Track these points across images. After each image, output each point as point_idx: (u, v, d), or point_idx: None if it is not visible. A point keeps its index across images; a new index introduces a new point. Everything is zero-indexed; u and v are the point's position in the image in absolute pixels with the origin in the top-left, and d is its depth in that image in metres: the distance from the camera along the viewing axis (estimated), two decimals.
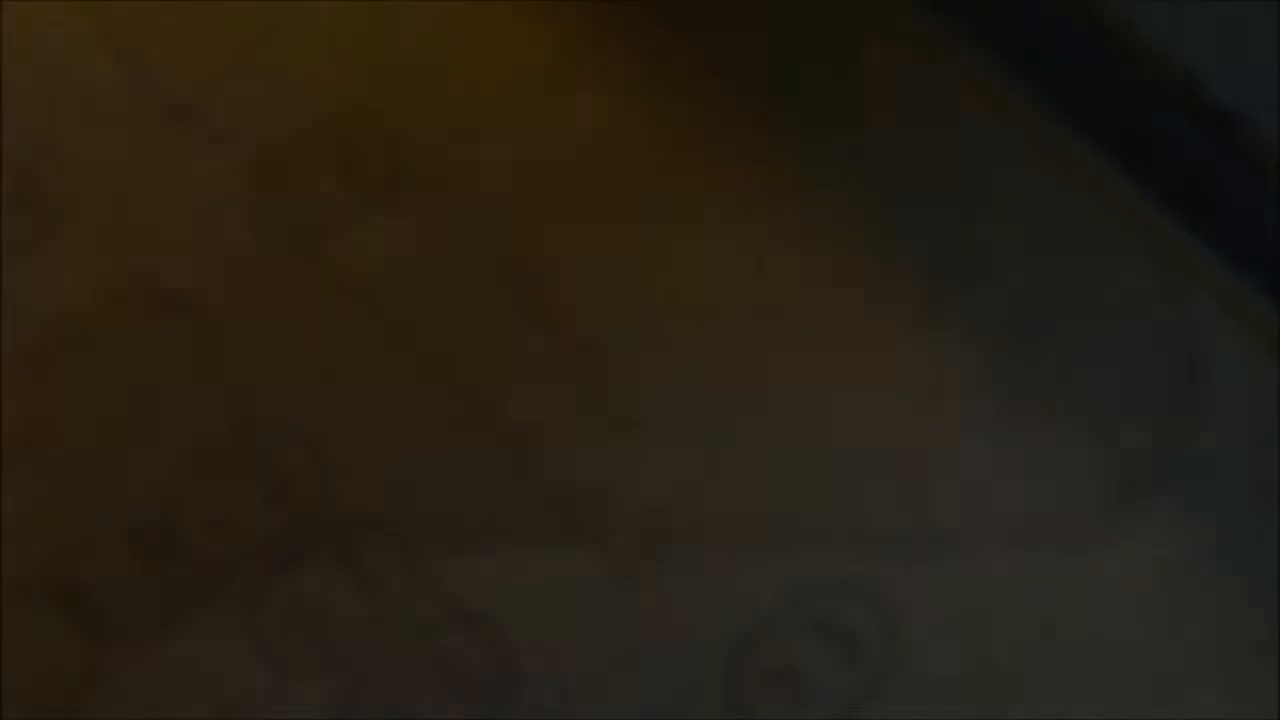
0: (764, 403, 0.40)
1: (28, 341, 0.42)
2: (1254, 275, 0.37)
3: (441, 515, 0.40)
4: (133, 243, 0.43)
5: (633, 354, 0.41)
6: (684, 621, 0.39)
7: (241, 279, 0.42)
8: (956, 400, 0.40)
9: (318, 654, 0.39)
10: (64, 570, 0.40)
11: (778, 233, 0.42)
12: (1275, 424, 0.40)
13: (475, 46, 0.44)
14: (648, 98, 0.43)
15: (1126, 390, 0.40)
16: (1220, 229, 0.36)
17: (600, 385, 0.41)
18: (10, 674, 0.39)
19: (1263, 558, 0.39)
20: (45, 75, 0.45)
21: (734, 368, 0.41)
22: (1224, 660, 0.38)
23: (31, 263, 0.43)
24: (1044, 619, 0.38)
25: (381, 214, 0.43)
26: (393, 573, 0.40)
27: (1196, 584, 0.39)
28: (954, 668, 0.38)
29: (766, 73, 0.43)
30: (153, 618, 0.40)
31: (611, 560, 0.39)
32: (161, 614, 0.40)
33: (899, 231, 0.42)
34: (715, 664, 0.39)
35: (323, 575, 0.40)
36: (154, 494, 0.41)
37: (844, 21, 0.43)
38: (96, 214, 0.43)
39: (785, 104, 0.43)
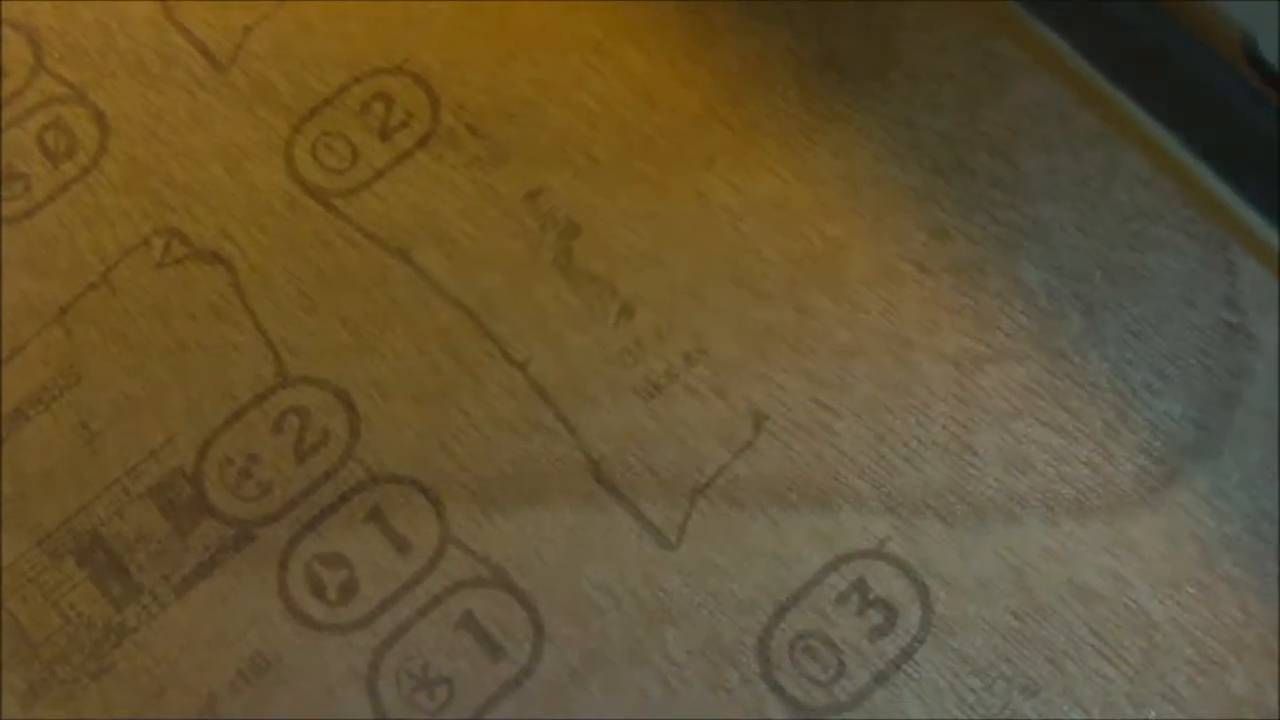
0: (802, 365, 0.40)
1: (59, 291, 0.42)
2: None
3: (472, 473, 0.40)
4: (166, 193, 0.43)
5: (668, 311, 0.41)
6: (718, 586, 0.39)
7: (275, 232, 0.42)
8: (996, 368, 0.40)
9: (346, 612, 0.39)
10: (92, 526, 0.40)
11: (815, 185, 0.42)
12: None
13: (513, 4, 0.44)
14: (686, 51, 0.43)
15: (1166, 360, 0.40)
16: (1270, 196, 0.36)
17: (636, 342, 0.41)
18: (38, 630, 0.39)
19: None
20: (84, 27, 0.45)
21: (771, 328, 0.40)
22: (1258, 637, 0.38)
23: (65, 212, 0.43)
24: (1079, 591, 0.38)
25: (416, 169, 0.42)
26: (422, 530, 0.39)
27: (1233, 558, 0.38)
28: (987, 638, 0.38)
29: (803, 25, 0.43)
30: (180, 575, 0.39)
31: (644, 522, 0.39)
32: (189, 571, 0.39)
33: (939, 191, 0.41)
34: (750, 629, 0.38)
35: (351, 532, 0.39)
36: (182, 449, 0.40)
37: None
38: (131, 165, 0.43)
39: (822, 55, 0.43)
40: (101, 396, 0.41)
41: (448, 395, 0.40)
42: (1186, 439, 0.39)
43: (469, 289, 0.41)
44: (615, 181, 0.42)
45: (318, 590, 0.39)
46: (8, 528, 0.40)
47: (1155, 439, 0.39)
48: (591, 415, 0.40)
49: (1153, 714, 0.37)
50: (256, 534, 0.40)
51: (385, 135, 0.43)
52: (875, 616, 0.38)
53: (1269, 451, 0.39)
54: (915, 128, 0.42)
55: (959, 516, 0.39)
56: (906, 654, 0.38)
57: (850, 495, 0.39)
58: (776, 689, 0.38)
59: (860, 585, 0.39)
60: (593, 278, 0.41)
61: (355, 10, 0.44)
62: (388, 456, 0.40)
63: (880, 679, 0.38)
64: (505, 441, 0.40)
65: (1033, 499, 0.39)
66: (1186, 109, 0.37)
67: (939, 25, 0.43)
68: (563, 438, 0.40)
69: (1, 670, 0.39)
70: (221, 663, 0.39)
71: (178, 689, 0.39)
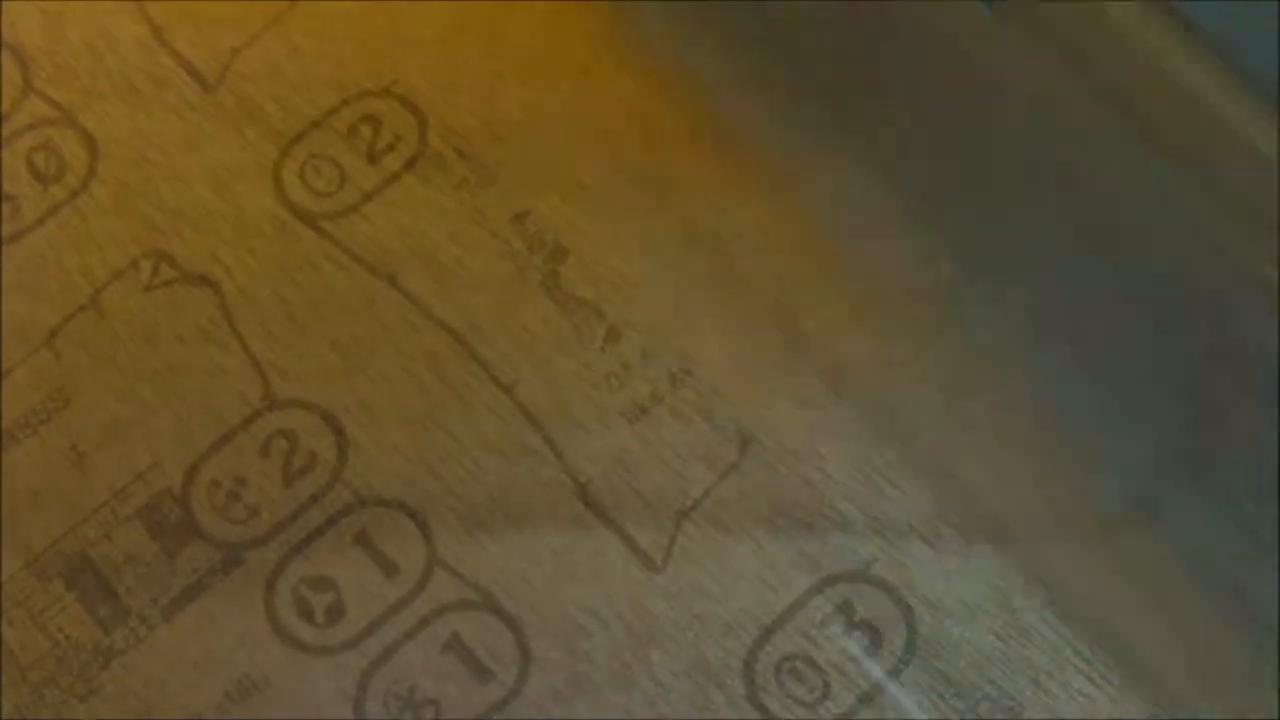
0: (788, 388, 0.40)
1: (48, 314, 0.42)
2: None
3: (459, 496, 0.40)
4: (154, 216, 0.43)
5: (654, 334, 0.41)
6: (704, 609, 0.39)
7: (263, 255, 0.42)
8: (985, 385, 0.40)
9: (333, 634, 0.39)
10: (81, 548, 0.40)
11: (803, 208, 0.42)
12: None
13: (502, 28, 0.44)
14: (676, 75, 0.43)
15: (1159, 374, 0.40)
16: None
17: (622, 365, 0.41)
18: (26, 653, 0.39)
19: None
20: (73, 48, 0.45)
21: (758, 351, 0.40)
22: (1250, 657, 0.38)
23: (53, 235, 0.43)
24: (1069, 610, 0.38)
25: (404, 192, 0.42)
26: (409, 553, 0.39)
27: (1219, 580, 0.38)
28: (971, 659, 0.38)
29: (793, 45, 0.43)
30: (168, 597, 0.39)
31: (631, 545, 0.39)
32: (177, 593, 0.40)
33: (927, 214, 0.41)
34: (735, 652, 0.38)
35: (339, 555, 0.40)
36: (171, 471, 0.40)
37: None
38: (119, 187, 0.43)
39: (812, 76, 0.43)
40: (90, 419, 0.41)
41: (435, 418, 0.41)
42: (1173, 463, 0.39)
43: (456, 312, 0.41)
44: (602, 204, 0.42)
45: (305, 613, 0.39)
46: None
47: (1148, 455, 0.39)
48: (578, 438, 0.40)
49: None
50: (244, 557, 0.40)
51: (373, 158, 0.43)
52: (861, 638, 0.38)
53: (1255, 476, 0.39)
54: (904, 148, 0.42)
55: (944, 539, 0.39)
56: (892, 675, 0.38)
57: (836, 518, 0.39)
58: (762, 711, 0.38)
59: (846, 607, 0.39)
60: (580, 301, 0.41)
61: (344, 32, 0.44)
62: (375, 480, 0.40)
63: (865, 700, 0.38)
64: (492, 464, 0.40)
65: (1022, 519, 0.39)
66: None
67: (929, 45, 0.43)
68: (550, 461, 0.40)
69: None
70: (209, 685, 0.39)
71: (166, 711, 0.39)
